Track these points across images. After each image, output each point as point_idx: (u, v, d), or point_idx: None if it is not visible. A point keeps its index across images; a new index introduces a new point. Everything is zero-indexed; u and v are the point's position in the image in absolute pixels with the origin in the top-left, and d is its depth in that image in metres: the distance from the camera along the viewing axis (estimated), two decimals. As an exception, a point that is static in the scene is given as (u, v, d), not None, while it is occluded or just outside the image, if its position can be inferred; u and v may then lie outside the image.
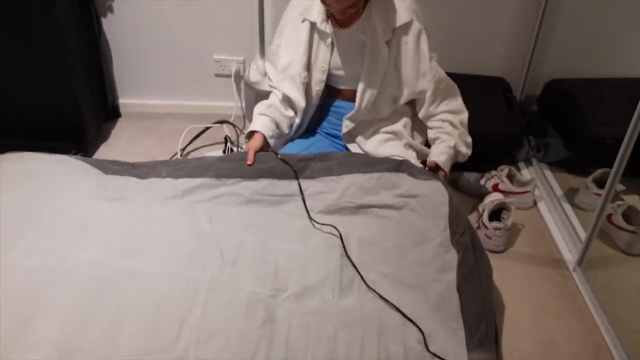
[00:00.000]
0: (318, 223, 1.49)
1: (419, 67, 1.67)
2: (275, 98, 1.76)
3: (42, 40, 2.00)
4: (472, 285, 1.36)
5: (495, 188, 2.07)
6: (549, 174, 2.20)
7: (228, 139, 2.24)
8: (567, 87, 2.28)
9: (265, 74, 2.16)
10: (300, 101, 1.72)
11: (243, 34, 2.31)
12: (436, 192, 1.53)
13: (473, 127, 2.09)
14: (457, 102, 1.77)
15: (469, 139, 1.77)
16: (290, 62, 1.70)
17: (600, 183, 1.92)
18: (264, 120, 1.70)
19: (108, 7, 2.29)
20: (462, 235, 1.43)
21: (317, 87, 1.72)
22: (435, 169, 1.69)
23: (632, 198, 2.04)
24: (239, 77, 2.44)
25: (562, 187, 2.13)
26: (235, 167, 1.59)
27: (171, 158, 2.20)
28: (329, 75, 1.72)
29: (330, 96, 1.80)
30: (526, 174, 2.22)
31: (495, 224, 1.84)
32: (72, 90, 2.11)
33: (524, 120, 2.31)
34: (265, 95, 2.12)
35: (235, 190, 1.55)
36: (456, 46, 2.28)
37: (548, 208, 2.06)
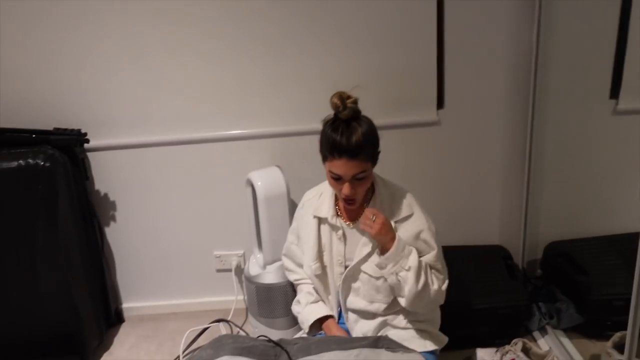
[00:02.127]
0: None
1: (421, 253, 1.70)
2: (306, 287, 1.87)
3: (44, 254, 2.05)
4: None
5: (513, 363, 1.96)
6: (566, 341, 2.10)
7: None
8: (567, 249, 2.27)
9: (264, 267, 2.18)
10: (322, 291, 1.82)
11: (241, 229, 2.38)
12: None
13: (480, 302, 2.07)
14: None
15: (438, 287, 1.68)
16: (304, 255, 1.82)
17: (621, 347, 1.82)
18: (320, 305, 1.82)
19: (111, 217, 2.40)
20: None
21: (338, 282, 1.77)
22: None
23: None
24: (239, 270, 2.46)
25: (583, 355, 2.02)
26: (216, 349, 1.57)
27: (173, 362, 2.15)
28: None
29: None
30: (542, 343, 2.12)
31: None
32: (73, 303, 2.12)
33: (530, 288, 2.27)
34: (264, 288, 2.14)
35: None
36: (451, 220, 2.34)
37: (572, 380, 1.94)
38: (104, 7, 2.12)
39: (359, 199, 1.65)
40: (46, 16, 2.13)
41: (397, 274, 1.61)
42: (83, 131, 2.22)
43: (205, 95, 2.25)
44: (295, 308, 1.90)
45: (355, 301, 1.76)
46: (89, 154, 2.31)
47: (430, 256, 1.68)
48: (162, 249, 2.45)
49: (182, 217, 2.41)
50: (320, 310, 1.81)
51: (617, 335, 1.92)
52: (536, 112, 2.22)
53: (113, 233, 2.43)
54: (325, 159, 1.62)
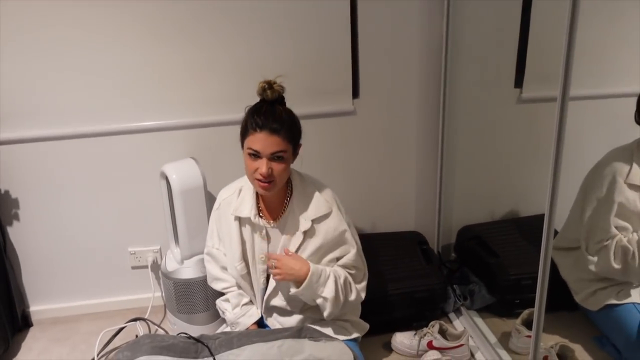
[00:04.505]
0: None
1: (339, 252, 1.74)
2: (235, 292, 1.86)
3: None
4: None
5: (430, 345, 2.03)
6: (479, 321, 2.19)
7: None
8: (478, 232, 2.38)
9: (182, 262, 2.13)
10: (248, 290, 1.81)
11: (156, 223, 2.31)
12: (340, 353, 1.56)
13: (397, 287, 2.12)
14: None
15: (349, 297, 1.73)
16: (227, 256, 1.80)
17: (529, 324, 1.92)
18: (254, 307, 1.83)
19: (14, 215, 2.25)
20: None
21: (261, 278, 1.77)
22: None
23: (563, 335, 2.04)
24: (156, 266, 2.39)
25: (495, 333, 2.12)
26: (133, 350, 1.54)
27: (87, 365, 2.06)
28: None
29: None
30: (458, 324, 2.21)
31: (449, 342, 1.82)
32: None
33: (445, 271, 2.35)
34: (182, 284, 2.09)
35: None
36: (368, 207, 2.39)
37: (485, 358, 2.03)
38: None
39: (277, 183, 1.62)
40: None
41: (314, 299, 1.66)
42: (-22, 124, 2.07)
43: (116, 85, 2.15)
44: (224, 305, 1.87)
45: (275, 299, 1.77)
46: (-16, 149, 2.16)
47: (350, 255, 1.72)
48: (72, 247, 2.33)
49: (93, 213, 2.30)
50: (255, 312, 1.82)
51: (526, 313, 2.03)
52: (447, 101, 2.30)
53: (17, 233, 2.28)
54: (244, 136, 1.60)
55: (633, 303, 1.87)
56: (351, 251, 1.72)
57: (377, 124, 2.35)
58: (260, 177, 1.59)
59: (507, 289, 2.15)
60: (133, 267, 2.40)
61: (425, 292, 2.14)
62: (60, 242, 2.32)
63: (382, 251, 2.30)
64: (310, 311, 1.77)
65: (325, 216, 1.71)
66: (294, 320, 1.77)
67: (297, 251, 1.70)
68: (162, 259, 2.35)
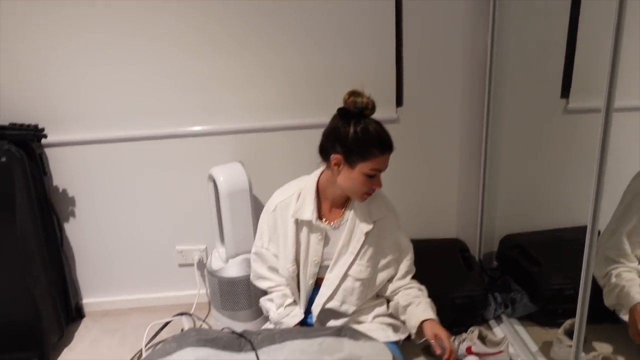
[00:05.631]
0: None
1: (395, 253, 1.82)
2: (280, 292, 1.89)
3: (1, 249, 2.02)
4: None
5: (469, 351, 2.03)
6: (520, 329, 2.18)
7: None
8: (521, 242, 2.36)
9: (227, 261, 2.20)
10: (294, 290, 1.84)
11: (203, 223, 2.39)
12: (379, 353, 1.56)
13: (437, 291, 2.12)
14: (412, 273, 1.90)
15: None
16: (279, 258, 1.84)
17: (571, 334, 1.90)
18: (297, 308, 1.85)
19: (70, 212, 2.37)
20: None
21: (310, 281, 1.82)
22: (429, 328, 1.75)
23: (606, 347, 2.01)
24: (202, 265, 2.47)
25: (536, 341, 2.10)
26: (179, 342, 1.59)
27: (135, 355, 2.15)
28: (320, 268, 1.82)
29: (318, 287, 1.87)
30: (498, 332, 2.20)
31: (489, 349, 1.84)
32: (32, 298, 2.08)
33: (486, 279, 2.35)
34: (227, 282, 2.15)
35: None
36: (410, 214, 2.38)
37: (525, 367, 2.02)
38: (65, 3, 2.09)
39: None
40: (3, 10, 2.08)
41: None
42: (40, 126, 2.18)
43: (167, 91, 2.24)
44: (268, 304, 1.91)
45: (332, 302, 1.80)
46: (46, 150, 2.27)
47: (409, 262, 1.84)
48: (123, 244, 2.44)
49: (143, 213, 2.40)
50: (299, 313, 1.84)
51: (568, 323, 2.00)
52: (491, 110, 2.29)
53: (73, 229, 2.40)
54: (364, 158, 1.63)
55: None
56: (409, 255, 1.83)
57: (420, 131, 2.37)
58: (371, 192, 1.68)
59: (549, 298, 2.13)
60: (180, 265, 2.49)
61: (466, 299, 2.14)
62: (112, 239, 2.43)
63: (423, 257, 2.29)
64: (362, 313, 1.83)
65: (386, 217, 1.77)
66: (339, 323, 1.81)
67: (358, 253, 1.75)
68: (207, 257, 2.43)
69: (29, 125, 2.16)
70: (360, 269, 1.77)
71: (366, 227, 1.74)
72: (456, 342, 2.06)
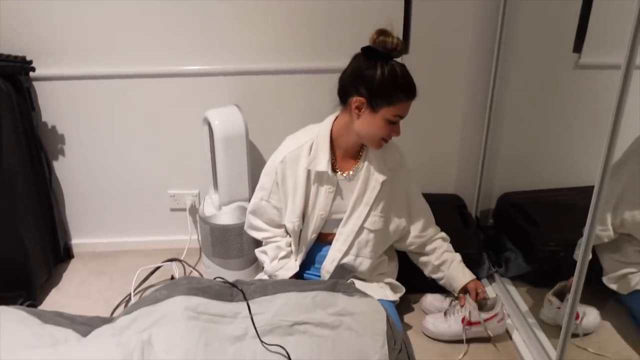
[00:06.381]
0: (265, 344, 1.44)
1: (410, 202, 1.80)
2: (275, 243, 1.86)
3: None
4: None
5: (464, 322, 2.00)
6: (512, 289, 2.17)
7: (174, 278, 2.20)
8: (519, 200, 2.32)
9: (220, 208, 2.15)
10: (294, 242, 1.81)
11: (196, 168, 2.33)
12: (373, 310, 1.54)
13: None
14: (434, 224, 1.91)
15: None
16: (285, 211, 1.78)
17: (561, 295, 1.90)
18: (292, 260, 1.83)
19: (59, 151, 2.30)
20: (400, 352, 1.44)
21: (313, 235, 1.77)
22: (473, 288, 1.82)
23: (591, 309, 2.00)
24: (194, 210, 2.43)
25: (526, 301, 2.09)
26: (170, 290, 1.56)
27: (124, 299, 2.13)
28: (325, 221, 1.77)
29: (319, 241, 1.83)
30: (490, 290, 2.19)
31: (484, 314, 1.87)
32: (20, 237, 2.04)
33: (482, 236, 2.32)
34: (219, 229, 2.11)
35: (170, 310, 1.49)
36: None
37: (515, 325, 2.01)
38: None
39: None
40: None
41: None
42: (28, 59, 2.08)
43: (162, 27, 2.13)
44: (262, 257, 1.89)
45: (347, 258, 1.77)
46: (35, 84, 2.18)
47: (428, 210, 1.86)
48: (114, 185, 2.38)
49: (135, 153, 2.33)
50: (293, 265, 1.81)
51: (559, 285, 1.99)
52: (500, 62, 2.21)
53: (62, 167, 2.34)
54: (389, 103, 1.55)
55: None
56: (423, 203, 1.85)
57: (424, 82, 2.27)
58: (389, 139, 1.63)
59: (543, 259, 2.11)
60: (172, 209, 2.45)
61: (460, 255, 2.12)
62: (103, 179, 2.37)
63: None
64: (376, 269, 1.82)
65: (400, 165, 1.73)
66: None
67: (373, 203, 1.71)
68: (200, 203, 2.38)
69: (16, 57, 2.07)
70: (374, 219, 1.73)
71: (382, 176, 1.69)
72: (448, 300, 2.04)
